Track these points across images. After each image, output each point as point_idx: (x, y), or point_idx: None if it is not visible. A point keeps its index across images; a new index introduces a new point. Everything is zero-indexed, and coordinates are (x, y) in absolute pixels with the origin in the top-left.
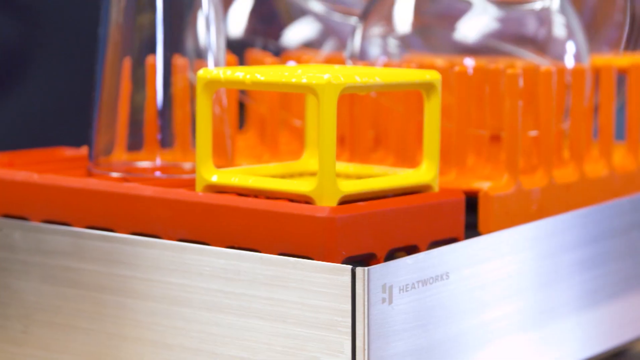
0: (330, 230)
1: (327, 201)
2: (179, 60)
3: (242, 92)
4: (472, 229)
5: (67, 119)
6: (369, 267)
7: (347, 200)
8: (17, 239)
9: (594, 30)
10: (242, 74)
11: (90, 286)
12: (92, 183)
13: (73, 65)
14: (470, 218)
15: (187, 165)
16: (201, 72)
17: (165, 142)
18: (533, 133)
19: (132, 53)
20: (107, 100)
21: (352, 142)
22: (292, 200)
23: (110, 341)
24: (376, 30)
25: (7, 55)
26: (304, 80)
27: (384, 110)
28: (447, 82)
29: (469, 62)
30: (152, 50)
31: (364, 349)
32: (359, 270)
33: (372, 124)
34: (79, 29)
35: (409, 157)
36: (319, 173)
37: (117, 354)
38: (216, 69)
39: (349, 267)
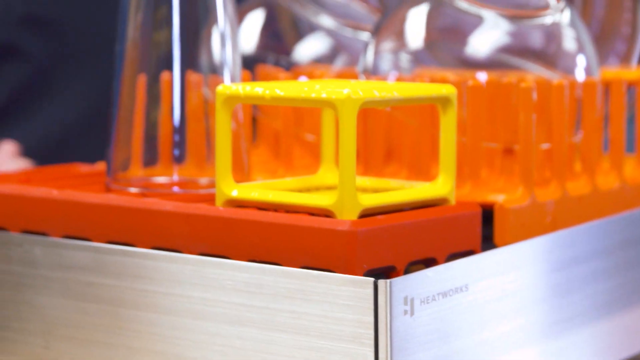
0: (352, 244)
1: (348, 215)
2: (193, 76)
3: (254, 107)
4: (487, 241)
5: (92, 136)
6: (391, 279)
7: (367, 214)
8: (38, 254)
9: (602, 42)
10: (261, 89)
11: (111, 301)
12: (112, 199)
13: (95, 83)
14: (484, 230)
15: (203, 180)
16: (220, 88)
17: (181, 157)
18: (545, 146)
19: (149, 69)
20: (124, 117)
21: (366, 156)
22: (312, 214)
23: (131, 355)
24: (388, 45)
25: (31, 74)
26: (324, 95)
27: (396, 124)
28: (459, 96)
29: (481, 76)
30: (168, 66)
31: None
32: (382, 282)
33: (385, 138)
34: (102, 48)
35: (423, 170)
36: (339, 187)
37: None
38: (235, 85)
39: (372, 279)
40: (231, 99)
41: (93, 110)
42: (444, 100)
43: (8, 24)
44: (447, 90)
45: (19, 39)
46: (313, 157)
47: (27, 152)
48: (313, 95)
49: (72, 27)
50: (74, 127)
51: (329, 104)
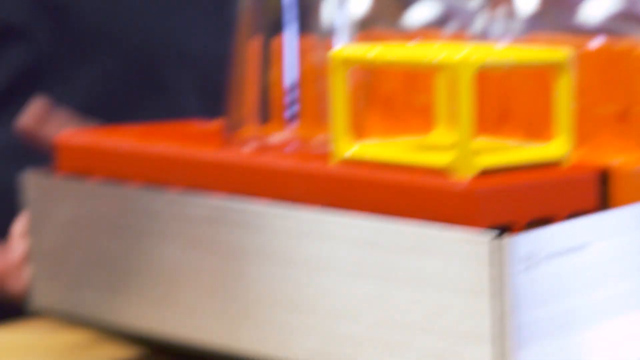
0: (470, 202)
1: (465, 174)
2: (308, 39)
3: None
4: (602, 204)
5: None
6: (511, 236)
7: (484, 173)
8: (158, 208)
9: None
10: (376, 52)
11: (231, 253)
12: (230, 156)
13: (101, 71)
14: (600, 193)
15: (317, 139)
16: (336, 51)
17: (295, 117)
18: None
19: (264, 32)
20: (240, 78)
21: (480, 118)
22: (428, 173)
23: (251, 305)
24: (500, 11)
25: (36, 58)
26: (441, 58)
27: (509, 86)
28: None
29: (595, 41)
30: (283, 29)
31: (505, 316)
32: (501, 239)
33: (498, 101)
34: (109, 36)
35: (538, 133)
36: (457, 146)
37: (258, 317)
38: (350, 47)
39: (491, 236)
40: (347, 62)
41: (98, 97)
42: (560, 64)
43: (14, 6)
44: (563, 54)
45: (25, 22)
46: (424, 119)
47: None
48: (430, 58)
49: (80, 13)
50: (78, 113)
51: (447, 66)
